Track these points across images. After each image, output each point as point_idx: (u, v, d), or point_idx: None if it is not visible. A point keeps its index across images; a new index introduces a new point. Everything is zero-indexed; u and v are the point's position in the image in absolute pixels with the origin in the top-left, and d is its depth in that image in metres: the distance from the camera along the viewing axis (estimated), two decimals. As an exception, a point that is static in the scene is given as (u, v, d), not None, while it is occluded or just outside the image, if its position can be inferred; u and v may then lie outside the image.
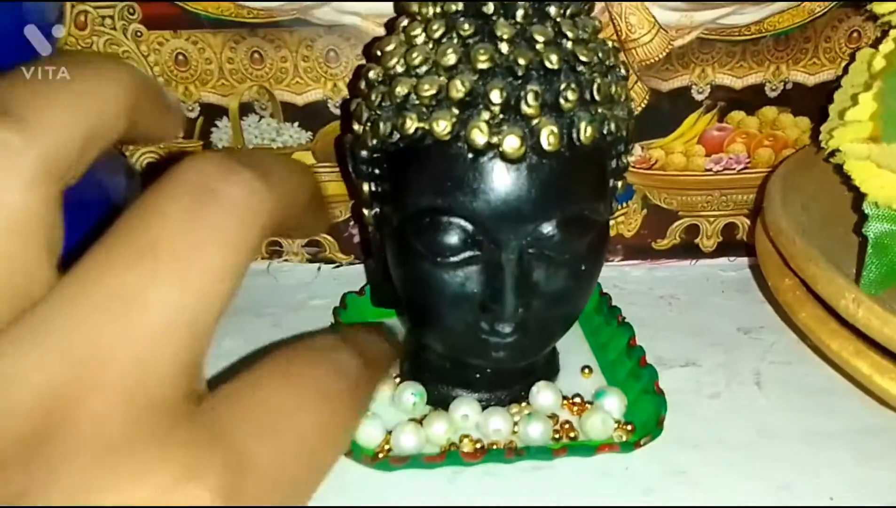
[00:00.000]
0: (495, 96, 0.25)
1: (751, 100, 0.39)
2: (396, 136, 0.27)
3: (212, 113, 0.39)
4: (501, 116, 0.25)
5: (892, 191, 0.26)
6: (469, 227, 0.27)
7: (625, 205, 0.42)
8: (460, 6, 0.26)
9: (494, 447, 0.31)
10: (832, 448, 0.32)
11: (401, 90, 0.26)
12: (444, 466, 0.30)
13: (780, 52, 0.38)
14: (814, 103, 0.38)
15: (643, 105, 0.39)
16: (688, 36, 0.37)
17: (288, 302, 0.41)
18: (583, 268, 0.29)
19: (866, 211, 0.28)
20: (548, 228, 0.27)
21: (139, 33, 0.37)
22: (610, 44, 0.28)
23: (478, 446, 0.31)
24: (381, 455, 0.30)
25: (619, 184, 0.31)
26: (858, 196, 0.29)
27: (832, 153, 0.31)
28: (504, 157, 0.26)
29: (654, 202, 0.42)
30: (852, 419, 0.33)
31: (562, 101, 0.25)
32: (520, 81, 0.25)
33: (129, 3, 0.36)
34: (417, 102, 0.26)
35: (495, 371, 0.33)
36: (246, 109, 0.38)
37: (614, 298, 0.38)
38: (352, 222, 0.42)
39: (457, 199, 0.26)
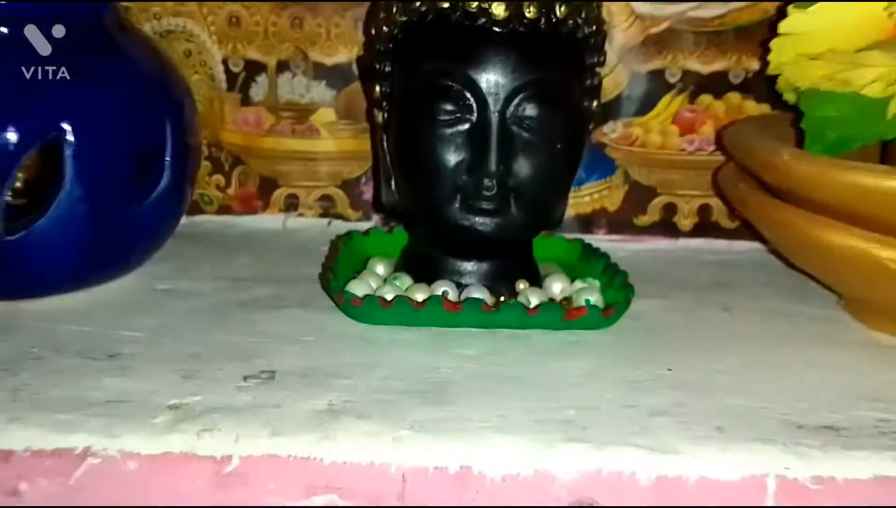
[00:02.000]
0: (487, -25, 0.31)
1: (717, 85, 0.45)
2: (403, 18, 0.33)
3: (253, 69, 0.45)
4: (491, -9, 0.31)
5: (821, 70, 0.31)
6: (462, 91, 0.32)
7: (608, 179, 0.47)
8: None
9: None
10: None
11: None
12: (425, 317, 0.33)
13: (741, 45, 0.44)
14: (774, 91, 0.44)
15: (624, 85, 0.45)
16: (661, 25, 0.44)
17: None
18: (558, 146, 0.33)
19: (802, 108, 0.32)
20: (528, 106, 0.32)
21: (203, -4, 0.44)
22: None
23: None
24: (366, 297, 0.33)
25: (595, 104, 0.36)
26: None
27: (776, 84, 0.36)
28: (493, 21, 0.31)
29: (635, 178, 0.47)
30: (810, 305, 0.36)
31: (541, -18, 0.32)
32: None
33: (200, -29, 0.44)
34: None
35: (480, 265, 0.36)
36: (282, 66, 0.45)
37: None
38: (363, 180, 0.47)
39: (454, 61, 0.32)
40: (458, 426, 0.26)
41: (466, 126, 0.32)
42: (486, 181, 0.32)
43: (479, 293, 0.34)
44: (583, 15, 0.33)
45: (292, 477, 0.25)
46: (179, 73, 0.39)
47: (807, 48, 0.33)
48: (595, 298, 0.35)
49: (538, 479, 0.25)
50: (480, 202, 0.33)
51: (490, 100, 0.32)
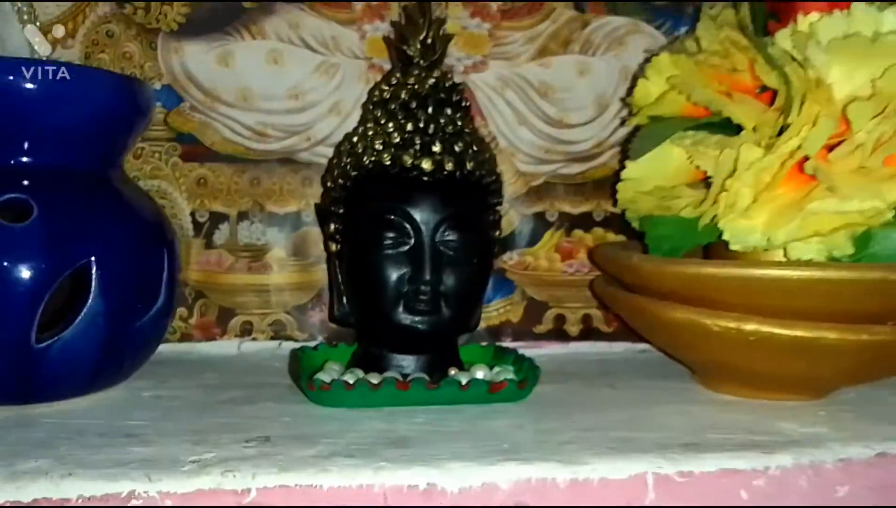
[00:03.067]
0: (417, 141, 0.44)
1: (585, 223, 0.59)
2: (354, 172, 0.45)
3: (217, 219, 0.55)
4: (421, 152, 0.44)
5: (651, 202, 0.45)
6: (402, 222, 0.43)
7: (510, 297, 0.58)
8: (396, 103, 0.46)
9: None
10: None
11: (359, 146, 0.45)
12: (380, 396, 0.41)
13: (598, 192, 0.59)
14: (625, 226, 0.58)
15: (515, 224, 0.58)
16: (539, 179, 0.58)
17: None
18: (474, 261, 0.45)
19: (643, 230, 0.46)
20: (449, 233, 0.43)
21: (176, 164, 0.54)
22: (481, 134, 0.48)
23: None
24: (332, 382, 0.41)
25: (498, 234, 0.48)
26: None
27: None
28: (422, 172, 0.43)
29: (531, 295, 0.58)
30: (672, 381, 0.47)
31: (455, 147, 0.44)
32: (430, 137, 0.44)
33: (174, 144, 0.54)
34: (370, 149, 0.44)
35: (418, 358, 0.45)
36: (242, 216, 0.55)
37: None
38: (309, 306, 0.56)
39: (395, 201, 0.43)
40: (421, 458, 0.34)
41: (406, 248, 0.43)
42: (423, 288, 0.43)
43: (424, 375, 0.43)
44: (486, 167, 0.46)
45: (299, 503, 0.32)
46: (168, 218, 0.48)
47: (641, 188, 0.47)
48: (511, 376, 0.45)
49: (485, 489, 0.33)
50: (419, 305, 0.43)
51: (423, 228, 0.43)
